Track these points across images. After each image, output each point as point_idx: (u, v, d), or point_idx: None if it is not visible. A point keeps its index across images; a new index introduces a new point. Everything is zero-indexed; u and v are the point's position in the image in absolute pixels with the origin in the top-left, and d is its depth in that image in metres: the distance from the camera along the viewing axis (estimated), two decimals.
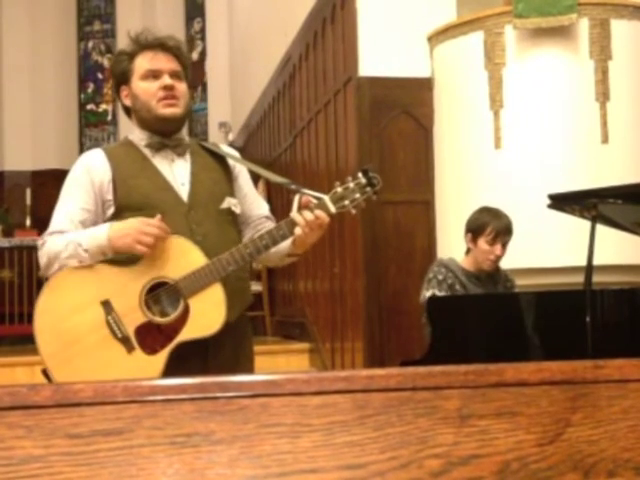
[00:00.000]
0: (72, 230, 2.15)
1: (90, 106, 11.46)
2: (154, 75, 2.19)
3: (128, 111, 2.29)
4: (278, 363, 5.44)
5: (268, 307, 6.93)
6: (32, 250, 8.34)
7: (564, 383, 0.95)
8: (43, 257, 2.15)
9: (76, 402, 0.85)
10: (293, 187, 2.21)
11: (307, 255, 5.95)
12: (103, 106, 11.46)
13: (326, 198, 2.10)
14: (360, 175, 2.11)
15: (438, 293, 3.33)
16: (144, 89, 2.19)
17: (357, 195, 2.10)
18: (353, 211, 2.11)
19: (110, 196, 2.17)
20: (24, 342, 7.14)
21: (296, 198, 2.13)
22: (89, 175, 2.18)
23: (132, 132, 2.30)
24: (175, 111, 2.19)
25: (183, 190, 2.20)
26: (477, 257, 3.40)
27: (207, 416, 0.87)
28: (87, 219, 2.17)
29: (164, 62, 2.20)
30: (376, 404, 0.91)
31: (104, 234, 2.08)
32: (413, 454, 0.89)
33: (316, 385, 0.90)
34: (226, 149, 2.38)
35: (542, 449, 0.92)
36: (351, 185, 2.10)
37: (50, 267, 2.13)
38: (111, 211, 2.17)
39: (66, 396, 0.85)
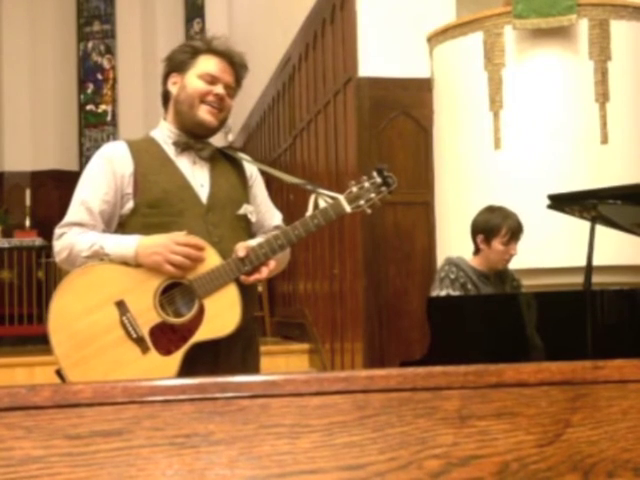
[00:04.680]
0: (91, 222, 2.15)
1: (90, 107, 11.46)
2: (211, 81, 2.20)
3: (166, 99, 2.28)
4: (278, 364, 5.44)
5: (268, 308, 6.93)
6: (32, 251, 8.36)
7: (564, 384, 0.95)
8: (63, 250, 2.14)
9: (75, 403, 0.85)
10: (309, 187, 2.20)
11: (307, 256, 5.96)
12: (103, 107, 11.46)
13: (341, 198, 2.10)
14: (375, 174, 2.12)
15: (452, 292, 3.33)
16: (196, 86, 2.20)
17: (372, 195, 2.10)
18: (368, 211, 2.12)
19: (130, 189, 2.16)
20: (24, 343, 7.16)
21: (312, 198, 2.12)
22: (111, 165, 2.17)
23: (157, 129, 2.30)
24: (213, 122, 2.20)
25: (202, 191, 2.20)
26: (491, 258, 3.40)
27: (206, 417, 0.87)
28: (105, 210, 2.16)
29: (225, 73, 2.22)
30: (376, 405, 0.91)
31: (132, 247, 2.06)
32: (413, 455, 0.89)
33: (316, 386, 0.90)
34: (242, 155, 2.39)
35: (542, 450, 0.92)
36: (366, 184, 2.11)
37: (68, 262, 2.14)
38: (129, 205, 2.15)
39: (65, 397, 0.85)
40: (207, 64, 2.22)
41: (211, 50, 2.23)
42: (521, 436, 0.92)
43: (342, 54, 4.98)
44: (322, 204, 2.12)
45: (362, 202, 2.10)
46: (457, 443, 0.91)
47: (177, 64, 2.25)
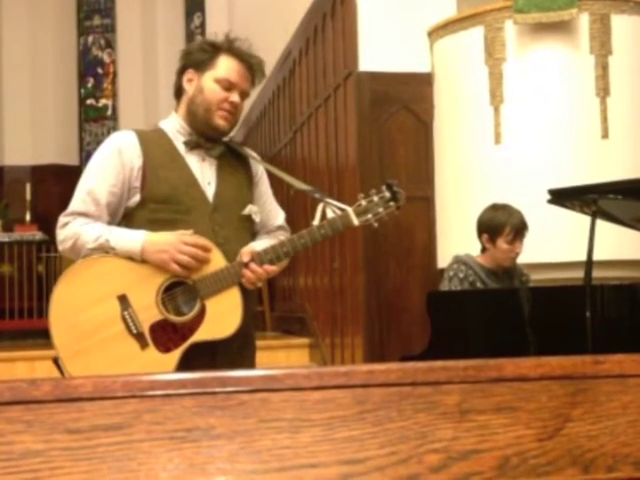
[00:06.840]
0: (96, 213, 2.13)
1: (90, 101, 11.45)
2: (228, 87, 2.18)
3: (179, 92, 2.26)
4: (278, 358, 5.44)
5: (268, 302, 6.93)
6: (32, 245, 8.35)
7: (564, 378, 0.95)
8: (67, 240, 2.12)
9: (76, 397, 0.85)
10: (317, 196, 2.19)
11: (307, 251, 5.96)
12: (103, 101, 11.44)
13: (350, 210, 2.11)
14: (384, 189, 2.12)
15: None
16: (213, 91, 2.18)
17: (380, 209, 2.11)
18: (375, 225, 2.12)
19: (138, 183, 2.14)
20: (24, 337, 7.16)
21: (319, 207, 2.12)
22: (120, 157, 2.15)
23: (167, 120, 2.27)
24: (226, 127, 2.20)
25: (209, 190, 2.19)
26: (497, 256, 3.39)
27: (207, 411, 0.87)
28: (112, 202, 2.14)
29: (243, 80, 2.20)
30: (376, 399, 0.91)
31: (138, 243, 2.06)
32: (413, 449, 0.89)
33: (316, 380, 0.90)
34: (249, 152, 2.38)
35: (541, 444, 0.92)
36: (375, 199, 2.11)
37: (72, 252, 2.12)
38: (135, 199, 2.14)
39: (66, 391, 0.85)
40: (225, 68, 2.19)
41: (232, 52, 2.20)
42: (521, 430, 0.92)
43: (342, 48, 4.98)
44: (330, 214, 2.12)
45: (370, 216, 2.10)
46: (457, 437, 0.91)
47: (195, 61, 2.22)
